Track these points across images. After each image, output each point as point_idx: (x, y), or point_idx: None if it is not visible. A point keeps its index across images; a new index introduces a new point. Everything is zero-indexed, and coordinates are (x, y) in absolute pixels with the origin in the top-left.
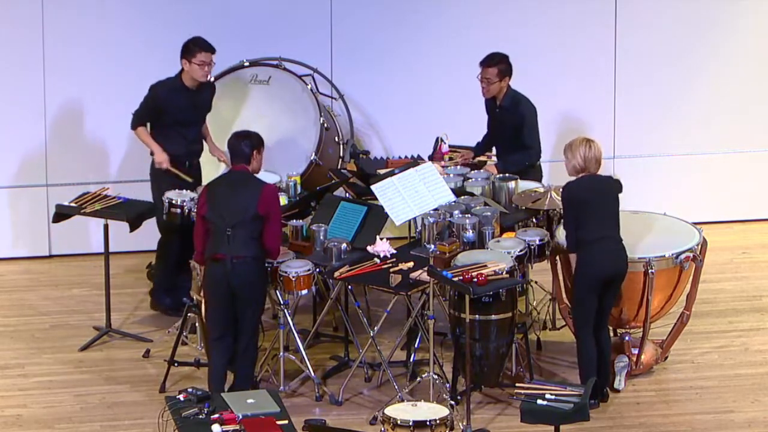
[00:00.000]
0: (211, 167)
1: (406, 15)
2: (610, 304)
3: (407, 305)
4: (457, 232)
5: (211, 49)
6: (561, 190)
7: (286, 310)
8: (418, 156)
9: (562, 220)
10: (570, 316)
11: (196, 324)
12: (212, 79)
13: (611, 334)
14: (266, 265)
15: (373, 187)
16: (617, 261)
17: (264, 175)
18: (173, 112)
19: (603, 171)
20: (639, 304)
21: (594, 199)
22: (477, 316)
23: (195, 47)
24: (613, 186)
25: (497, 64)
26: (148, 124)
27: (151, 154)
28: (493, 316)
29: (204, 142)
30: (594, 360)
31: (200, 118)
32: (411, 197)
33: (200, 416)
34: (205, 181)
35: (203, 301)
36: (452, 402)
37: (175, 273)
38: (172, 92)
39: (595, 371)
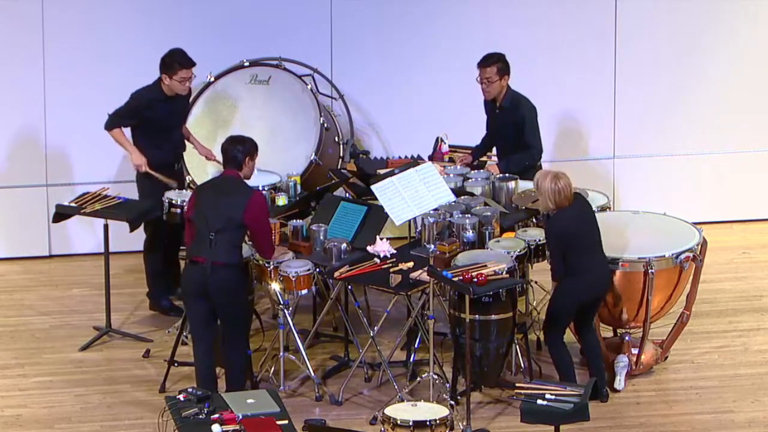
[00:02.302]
0: (199, 168)
1: (406, 15)
2: (592, 316)
3: (407, 305)
4: (457, 232)
5: (190, 64)
6: (546, 225)
7: (286, 310)
8: (418, 156)
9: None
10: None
11: None
12: (212, 79)
13: (611, 333)
14: (263, 263)
15: (373, 187)
16: (600, 285)
17: (264, 175)
18: (156, 121)
19: (602, 172)
20: (639, 304)
21: (580, 229)
22: (477, 316)
23: (175, 64)
24: (586, 203)
25: (495, 63)
26: (129, 130)
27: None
28: (493, 316)
29: (187, 143)
30: (570, 362)
31: (181, 121)
32: (411, 197)
33: (200, 416)
34: (198, 180)
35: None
36: (452, 402)
37: (164, 275)
38: (153, 102)
39: (574, 374)
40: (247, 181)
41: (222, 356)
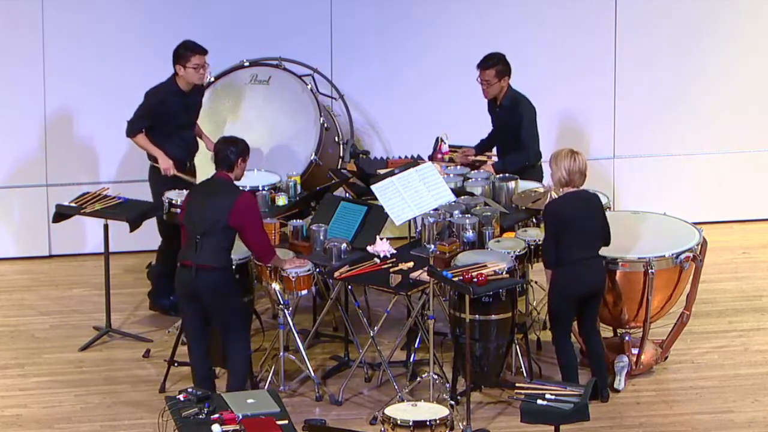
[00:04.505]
0: (200, 168)
1: (406, 15)
2: (594, 314)
3: (407, 305)
4: (457, 232)
5: (203, 51)
6: (543, 207)
7: (286, 310)
8: (418, 156)
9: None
10: None
11: None
12: (212, 79)
13: (611, 333)
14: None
15: (373, 187)
16: (594, 280)
17: (264, 175)
18: (172, 117)
19: (602, 172)
20: (639, 304)
21: (577, 218)
22: (477, 316)
23: (187, 51)
24: (598, 203)
25: (494, 65)
26: (144, 131)
27: (150, 159)
28: (493, 316)
29: (200, 141)
30: (574, 364)
31: (195, 118)
32: (411, 197)
33: (200, 416)
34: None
35: None
36: (452, 402)
37: (169, 276)
38: (169, 96)
39: (577, 375)
40: (240, 182)
41: (224, 359)
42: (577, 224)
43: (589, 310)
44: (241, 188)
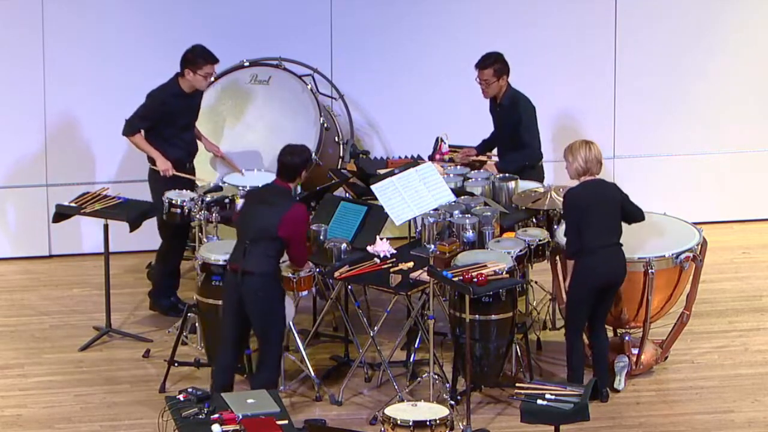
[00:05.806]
0: (206, 166)
1: (406, 15)
2: (606, 309)
3: (407, 305)
4: (457, 232)
5: (215, 60)
6: (563, 196)
7: None
8: (418, 156)
9: (564, 224)
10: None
11: (196, 324)
12: (212, 79)
13: (611, 334)
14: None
15: (373, 187)
16: (615, 269)
17: (264, 175)
18: (174, 118)
19: (603, 171)
20: (639, 304)
21: (596, 205)
22: (477, 316)
23: (201, 60)
24: (616, 191)
25: (492, 64)
26: (143, 132)
27: (149, 160)
28: (493, 316)
29: (198, 142)
30: (582, 362)
31: (194, 120)
32: (411, 197)
33: (200, 416)
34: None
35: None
36: (452, 402)
37: (174, 276)
38: (171, 98)
39: (582, 375)
40: (240, 182)
41: (252, 374)
42: (595, 212)
43: (604, 303)
44: (297, 199)
